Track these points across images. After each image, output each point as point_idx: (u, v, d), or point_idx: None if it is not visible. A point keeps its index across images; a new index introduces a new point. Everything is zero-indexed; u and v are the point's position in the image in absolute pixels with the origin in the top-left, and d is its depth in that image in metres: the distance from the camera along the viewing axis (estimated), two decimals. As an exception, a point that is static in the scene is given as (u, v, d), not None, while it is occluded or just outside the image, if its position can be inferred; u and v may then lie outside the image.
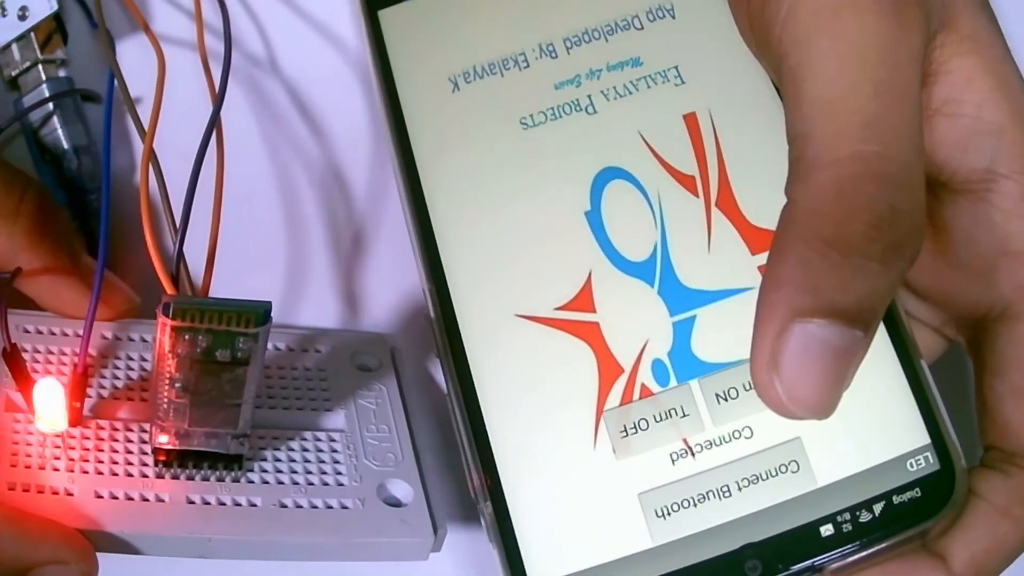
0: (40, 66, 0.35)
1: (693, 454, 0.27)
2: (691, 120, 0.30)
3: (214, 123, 0.29)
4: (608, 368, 0.28)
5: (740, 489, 0.27)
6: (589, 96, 0.30)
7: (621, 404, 0.28)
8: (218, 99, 0.29)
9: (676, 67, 0.30)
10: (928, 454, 0.27)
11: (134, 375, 0.30)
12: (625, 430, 0.27)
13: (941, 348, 0.30)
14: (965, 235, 0.27)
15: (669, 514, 0.27)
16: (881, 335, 0.28)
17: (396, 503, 0.30)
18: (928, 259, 0.28)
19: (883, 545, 0.26)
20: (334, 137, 0.36)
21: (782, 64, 0.25)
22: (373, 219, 0.36)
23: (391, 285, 0.35)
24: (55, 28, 0.35)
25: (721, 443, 0.27)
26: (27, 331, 0.30)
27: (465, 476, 0.28)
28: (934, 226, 0.28)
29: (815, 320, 0.22)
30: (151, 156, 0.28)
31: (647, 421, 0.27)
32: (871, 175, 0.23)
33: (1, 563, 0.26)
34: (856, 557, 0.26)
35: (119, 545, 0.27)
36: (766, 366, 0.23)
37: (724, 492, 0.27)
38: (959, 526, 0.27)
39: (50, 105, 0.35)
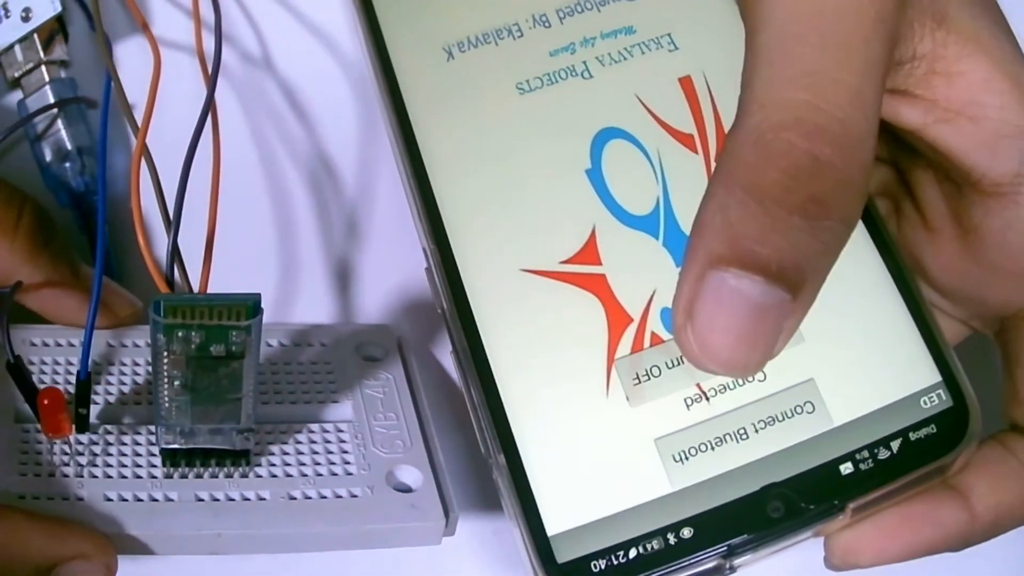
0: (43, 67, 0.35)
1: (707, 398, 0.27)
2: (686, 83, 0.30)
3: (208, 107, 0.29)
4: (617, 317, 0.28)
5: (757, 431, 0.27)
6: (584, 62, 0.30)
7: (632, 352, 0.27)
8: (211, 81, 0.29)
9: (669, 34, 0.31)
10: (940, 391, 0.27)
11: (140, 380, 0.31)
12: (637, 377, 0.27)
13: (962, 336, 0.30)
14: (996, 237, 0.27)
15: (687, 459, 0.26)
16: (884, 277, 0.28)
17: (405, 489, 0.29)
18: (957, 260, 0.28)
19: (903, 481, 0.26)
20: (327, 132, 0.36)
21: (745, 19, 0.25)
22: (369, 215, 0.36)
23: (393, 278, 0.35)
24: (57, 29, 0.35)
25: (735, 387, 0.27)
26: (34, 344, 0.31)
27: (476, 437, 0.28)
28: (963, 228, 0.28)
29: (731, 269, 0.21)
30: (144, 150, 0.28)
31: (659, 368, 0.27)
32: (796, 123, 0.22)
33: (30, 559, 0.26)
34: (877, 494, 0.26)
35: (131, 545, 0.27)
36: (682, 311, 0.22)
37: (741, 435, 0.26)
38: (988, 471, 0.27)
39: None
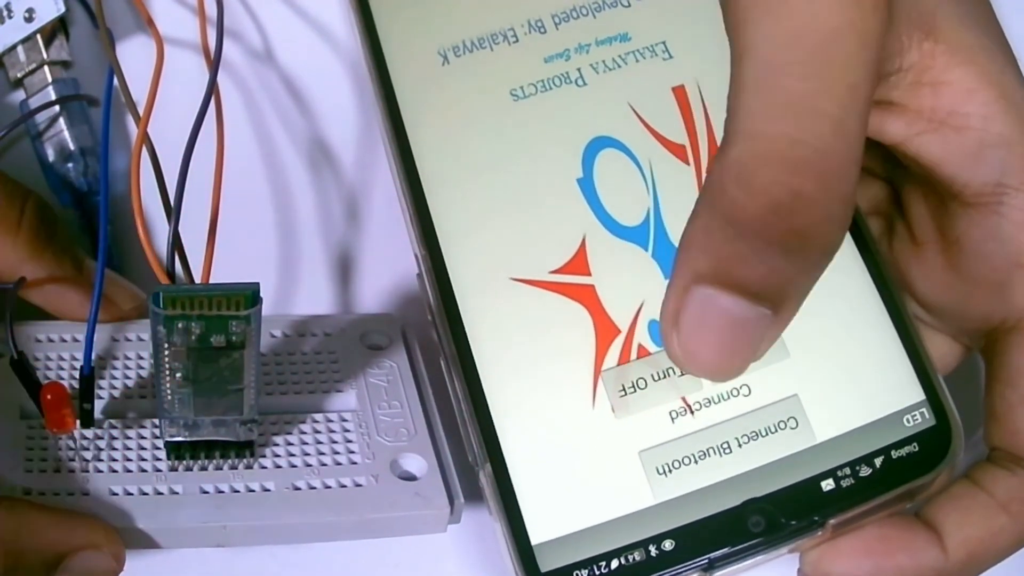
0: (46, 67, 0.35)
1: (692, 412, 0.27)
2: (680, 92, 0.30)
3: (210, 93, 0.29)
4: (604, 329, 0.28)
5: (740, 446, 0.27)
6: (578, 69, 0.31)
7: (619, 364, 0.28)
8: (213, 67, 0.29)
9: (664, 42, 0.31)
10: (924, 410, 0.27)
11: (143, 373, 0.31)
12: (624, 389, 0.27)
13: (958, 356, 0.30)
14: (978, 248, 0.27)
15: (670, 471, 0.27)
16: (871, 295, 0.28)
17: (410, 477, 0.29)
18: (941, 273, 0.28)
19: (883, 499, 0.26)
20: (328, 123, 0.36)
21: (730, 43, 0.24)
22: (370, 205, 0.36)
23: (395, 267, 0.35)
24: (60, 29, 0.35)
25: (720, 401, 0.27)
26: (38, 340, 0.31)
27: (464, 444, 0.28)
28: (947, 240, 0.28)
29: (714, 287, 0.22)
30: (145, 139, 0.28)
31: (645, 380, 0.27)
32: (776, 157, 0.22)
33: (40, 550, 0.26)
34: (857, 511, 0.26)
35: (136, 539, 0.27)
36: (668, 319, 0.22)
37: (724, 449, 0.27)
38: (958, 508, 0.27)
39: (56, 107, 0.35)
